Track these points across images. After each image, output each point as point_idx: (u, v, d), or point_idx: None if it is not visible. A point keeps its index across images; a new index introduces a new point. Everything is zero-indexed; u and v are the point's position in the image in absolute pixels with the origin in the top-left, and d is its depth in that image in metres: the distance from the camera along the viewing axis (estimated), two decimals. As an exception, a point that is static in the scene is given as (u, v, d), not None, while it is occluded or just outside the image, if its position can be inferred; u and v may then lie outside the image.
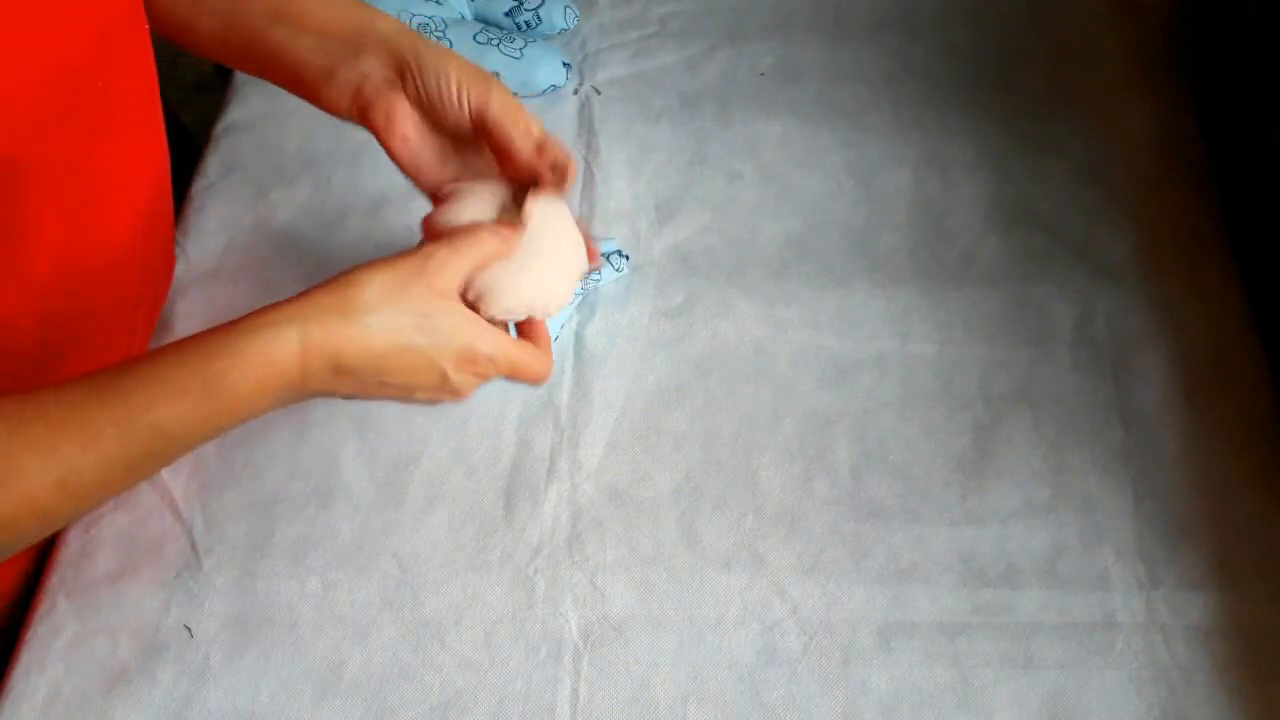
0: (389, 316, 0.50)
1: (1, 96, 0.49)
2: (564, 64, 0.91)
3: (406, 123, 0.58)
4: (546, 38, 0.94)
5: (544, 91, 0.92)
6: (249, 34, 0.61)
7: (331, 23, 0.59)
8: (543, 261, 0.56)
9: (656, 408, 0.73)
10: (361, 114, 0.59)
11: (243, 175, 0.87)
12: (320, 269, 0.81)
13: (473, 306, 0.54)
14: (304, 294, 0.50)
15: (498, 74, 0.89)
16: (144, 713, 0.62)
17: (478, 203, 0.57)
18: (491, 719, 0.62)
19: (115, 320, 0.70)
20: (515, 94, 0.89)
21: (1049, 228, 0.81)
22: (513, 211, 0.57)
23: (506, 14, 0.93)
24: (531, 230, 0.56)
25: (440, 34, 0.89)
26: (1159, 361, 0.73)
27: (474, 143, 0.60)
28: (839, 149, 0.87)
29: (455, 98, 0.57)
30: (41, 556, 0.69)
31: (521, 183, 0.58)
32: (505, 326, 0.57)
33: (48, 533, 0.50)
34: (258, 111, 0.89)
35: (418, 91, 0.58)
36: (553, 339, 0.73)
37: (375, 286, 0.50)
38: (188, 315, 0.79)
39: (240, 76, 0.94)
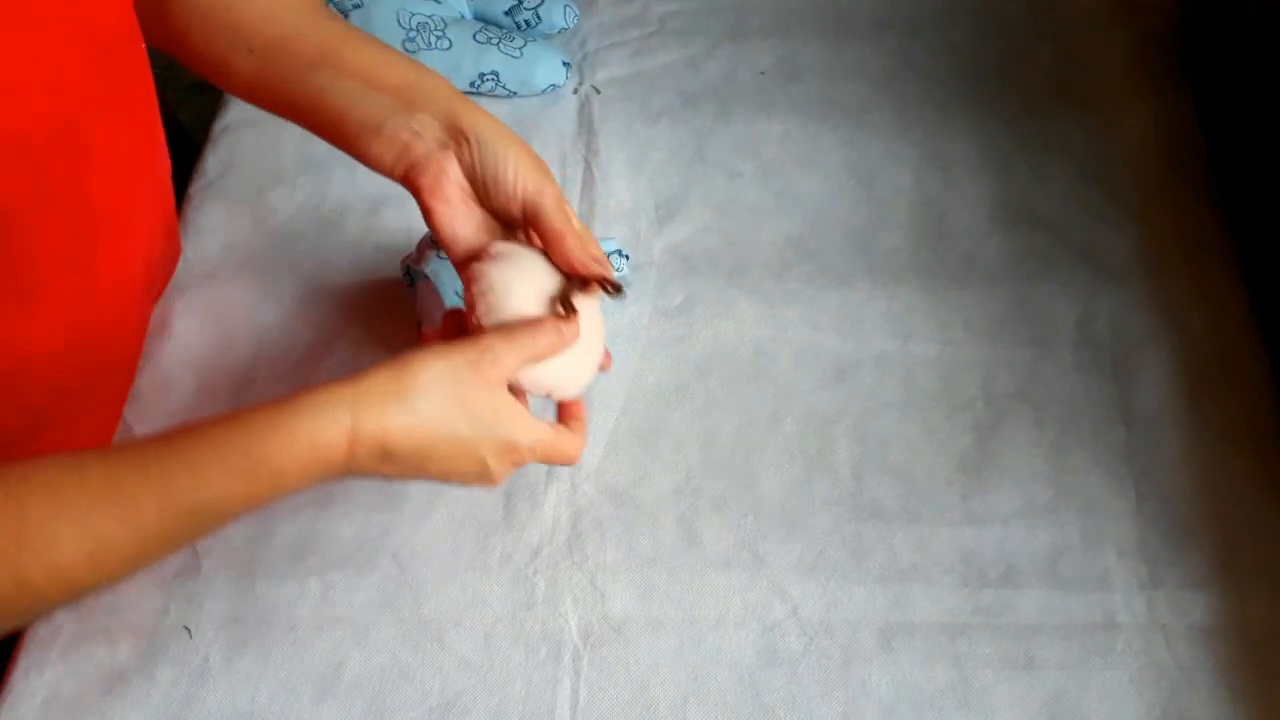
0: (441, 406, 0.50)
1: None
2: (564, 63, 0.91)
3: (453, 188, 0.58)
4: (546, 37, 0.94)
5: (544, 90, 0.91)
6: (288, 78, 0.60)
7: (381, 75, 0.58)
8: (576, 349, 0.56)
9: (656, 408, 0.73)
10: (406, 172, 0.58)
11: (242, 175, 0.87)
12: (320, 269, 0.82)
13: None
14: (359, 375, 0.50)
15: (496, 74, 0.90)
16: (143, 713, 0.62)
17: (525, 278, 0.57)
18: (491, 719, 0.62)
19: (122, 337, 0.70)
20: (515, 93, 0.91)
21: (1051, 227, 0.81)
22: (554, 285, 0.58)
23: (506, 13, 0.93)
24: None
25: (440, 33, 0.89)
26: (1161, 361, 0.73)
27: (513, 226, 0.60)
28: (840, 148, 0.87)
29: (511, 183, 0.57)
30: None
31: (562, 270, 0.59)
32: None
33: (74, 602, 0.51)
34: (257, 111, 0.89)
35: (472, 164, 0.57)
36: None
37: (431, 375, 0.50)
38: (187, 315, 0.79)
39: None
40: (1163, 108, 0.87)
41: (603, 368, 0.61)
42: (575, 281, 0.57)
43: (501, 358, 0.52)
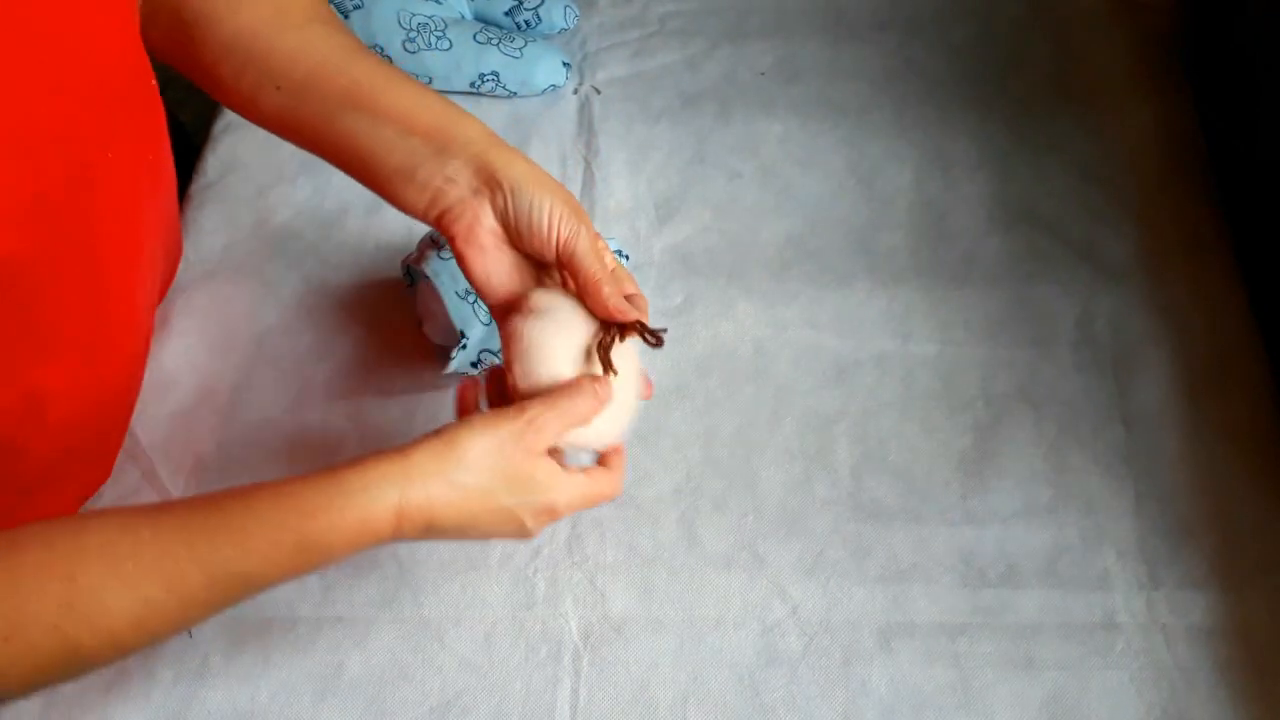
0: (484, 480, 0.51)
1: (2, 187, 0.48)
2: (564, 63, 0.91)
3: (487, 235, 0.57)
4: (546, 37, 0.94)
5: (544, 91, 0.91)
6: (317, 117, 0.59)
7: (413, 118, 0.58)
8: (617, 399, 0.56)
9: (656, 408, 0.73)
10: (439, 218, 0.57)
11: (242, 175, 0.87)
12: (320, 269, 0.82)
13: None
14: (406, 451, 0.50)
15: (496, 74, 0.90)
16: (143, 713, 0.62)
17: (563, 335, 0.56)
18: (491, 719, 0.62)
19: (131, 362, 0.71)
20: (515, 93, 0.91)
21: (1050, 227, 0.81)
22: (592, 336, 0.57)
23: (506, 13, 0.93)
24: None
25: (440, 33, 0.89)
26: (1161, 361, 0.73)
27: (546, 266, 0.59)
28: (840, 148, 0.87)
29: (545, 229, 0.56)
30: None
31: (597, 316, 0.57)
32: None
33: (118, 661, 0.52)
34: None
35: (505, 210, 0.56)
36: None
37: (477, 451, 0.50)
38: (187, 315, 0.79)
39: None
40: (1163, 108, 0.87)
41: (643, 396, 0.59)
42: (613, 329, 0.56)
43: (545, 427, 0.52)
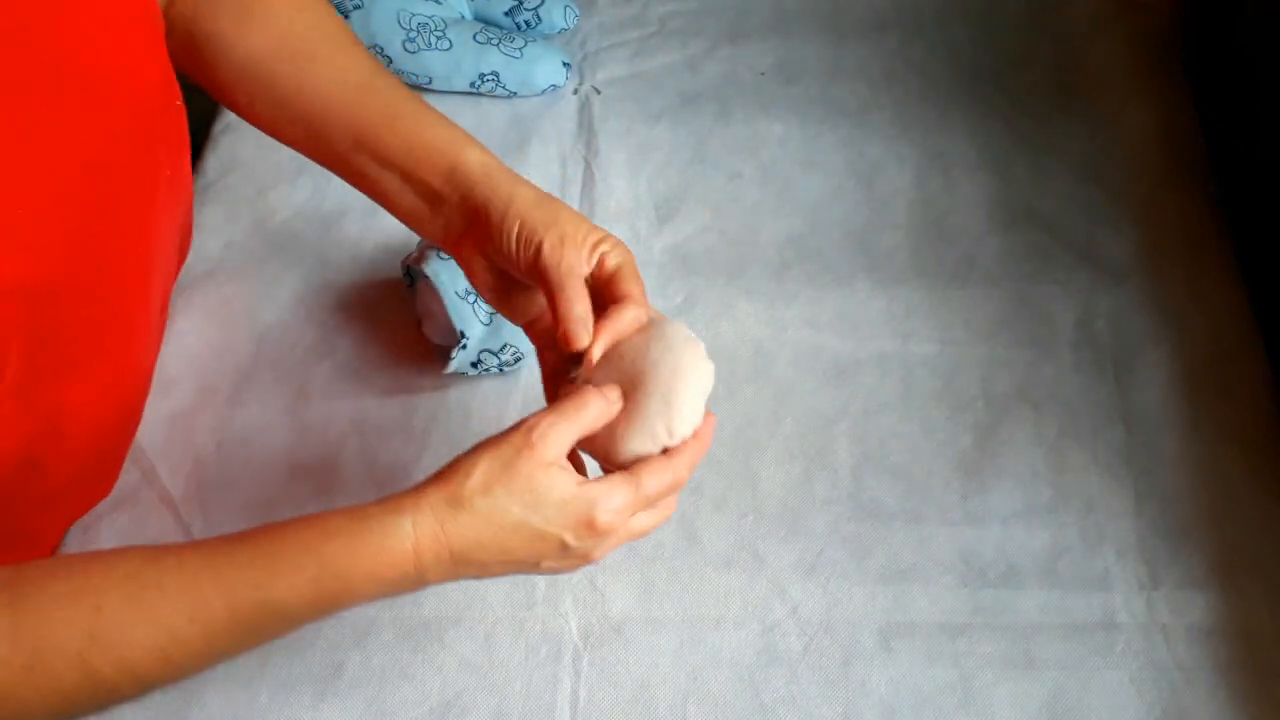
0: (497, 499, 0.49)
1: (31, 214, 0.48)
2: (564, 63, 0.91)
3: (485, 272, 0.58)
4: (546, 37, 0.94)
5: (544, 91, 0.91)
6: (333, 154, 0.61)
7: (412, 165, 0.58)
8: (663, 392, 0.52)
9: (657, 408, 0.73)
10: (453, 255, 0.59)
11: (242, 175, 0.87)
12: (320, 269, 0.82)
13: (604, 457, 0.53)
14: (418, 487, 0.50)
15: (496, 74, 0.90)
16: (144, 713, 0.62)
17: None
18: (491, 719, 0.62)
19: (144, 377, 0.71)
20: (515, 93, 0.91)
21: (1050, 228, 0.81)
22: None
23: (506, 13, 0.93)
24: (641, 367, 0.53)
25: (440, 33, 0.89)
26: (1160, 361, 0.73)
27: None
28: (840, 148, 0.87)
29: (514, 248, 0.55)
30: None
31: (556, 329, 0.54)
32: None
33: (141, 697, 0.51)
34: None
35: (486, 244, 0.56)
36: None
37: (480, 472, 0.49)
38: (187, 315, 0.79)
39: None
40: (1163, 108, 0.87)
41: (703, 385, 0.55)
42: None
43: (549, 433, 0.49)
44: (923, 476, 0.69)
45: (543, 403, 0.61)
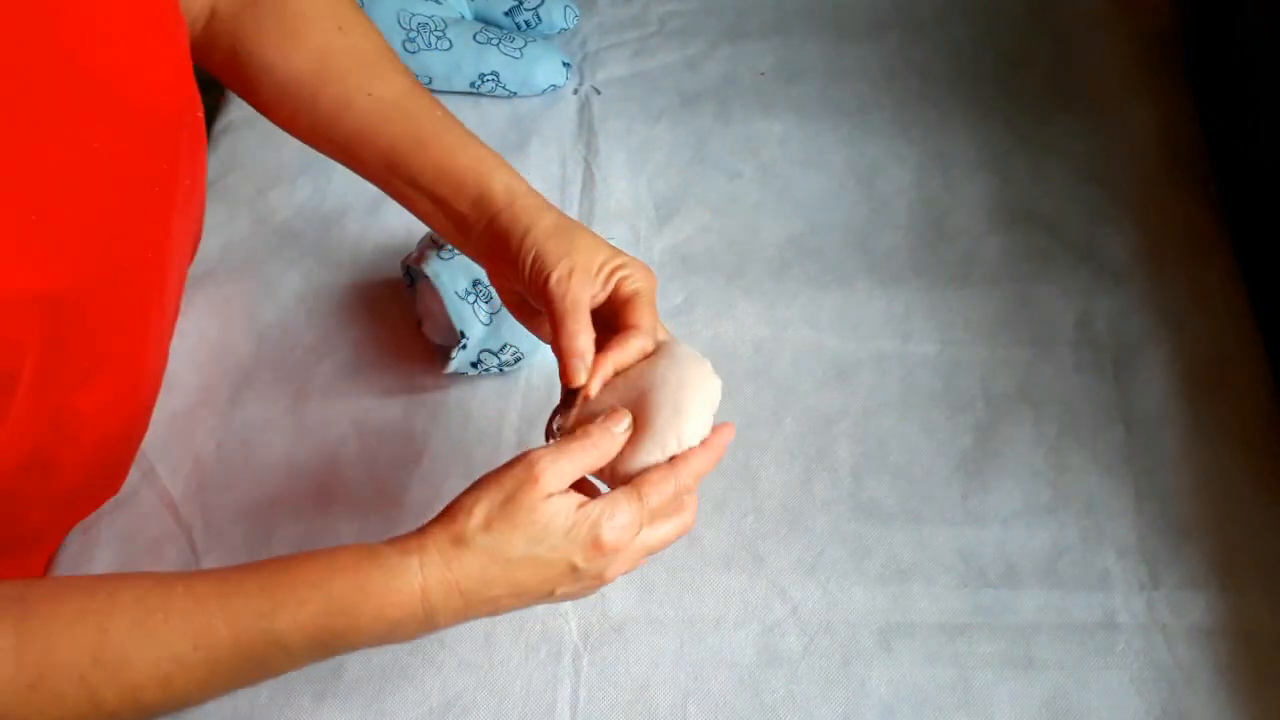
0: (500, 534, 0.49)
1: (52, 225, 0.48)
2: (564, 63, 0.91)
3: (510, 294, 0.60)
4: (546, 37, 0.94)
5: (544, 91, 0.91)
6: (374, 174, 0.62)
7: (441, 189, 0.59)
8: (672, 403, 0.52)
9: (657, 408, 0.73)
10: (488, 273, 0.61)
11: (242, 175, 0.87)
12: (320, 269, 0.82)
13: (610, 475, 0.53)
14: (423, 528, 0.50)
15: (496, 74, 0.90)
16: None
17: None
18: (491, 719, 0.62)
19: (156, 378, 0.72)
20: (515, 93, 0.91)
21: (1050, 228, 0.81)
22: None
23: (506, 13, 0.93)
24: (649, 383, 0.53)
25: (440, 34, 0.89)
26: (1160, 362, 0.73)
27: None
28: (840, 148, 0.87)
29: (527, 277, 0.55)
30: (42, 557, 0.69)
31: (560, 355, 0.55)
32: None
33: None
34: (257, 111, 0.89)
35: (508, 270, 0.57)
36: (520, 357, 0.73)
37: (481, 509, 0.49)
38: (187, 315, 0.78)
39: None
40: (1162, 108, 0.87)
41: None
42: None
43: (550, 469, 0.49)
44: (923, 476, 0.69)
45: (542, 403, 0.61)
